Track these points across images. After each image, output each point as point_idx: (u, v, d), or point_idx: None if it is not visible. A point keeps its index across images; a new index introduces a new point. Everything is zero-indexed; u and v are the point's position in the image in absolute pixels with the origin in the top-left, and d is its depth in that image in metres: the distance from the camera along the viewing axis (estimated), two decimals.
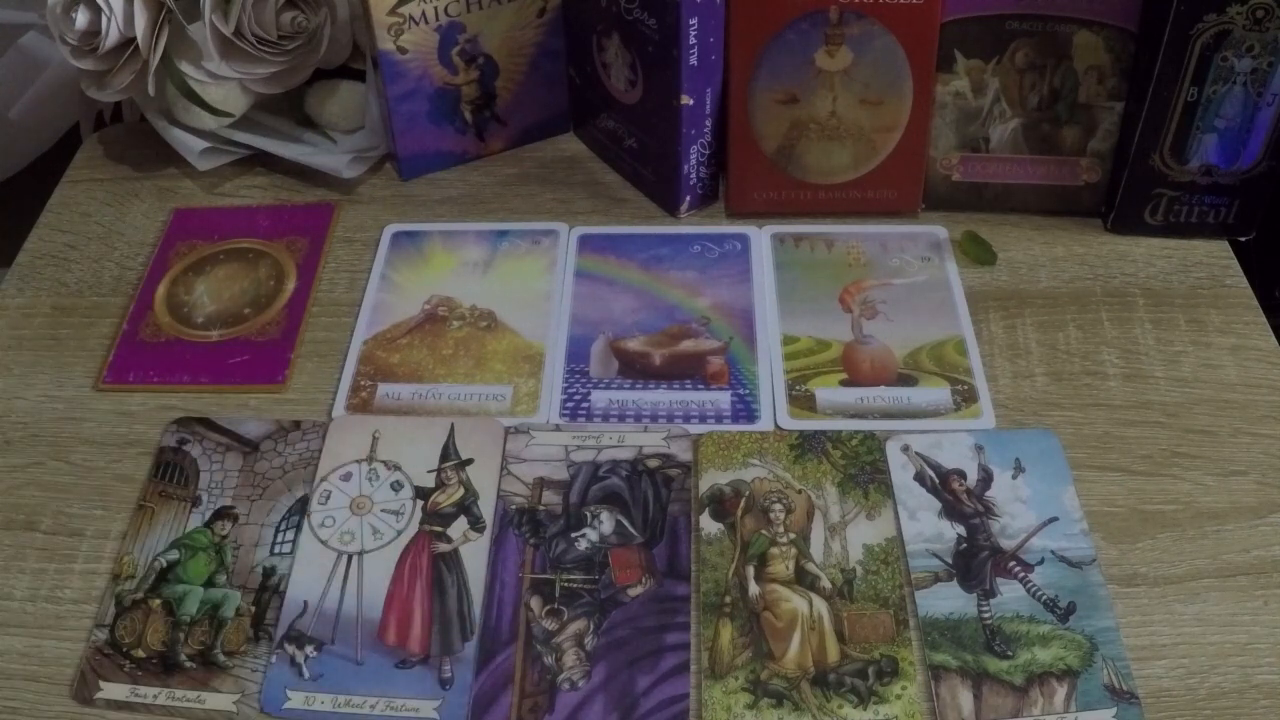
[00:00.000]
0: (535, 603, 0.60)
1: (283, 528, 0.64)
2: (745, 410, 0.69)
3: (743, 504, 0.64)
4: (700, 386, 0.71)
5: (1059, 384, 0.70)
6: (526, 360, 0.73)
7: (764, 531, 0.63)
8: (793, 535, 0.63)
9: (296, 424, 0.69)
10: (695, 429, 0.68)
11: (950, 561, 0.61)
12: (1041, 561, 0.61)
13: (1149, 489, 0.65)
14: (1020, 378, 0.71)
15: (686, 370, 0.72)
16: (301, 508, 0.65)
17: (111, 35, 0.78)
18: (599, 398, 0.70)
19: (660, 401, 0.70)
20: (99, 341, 0.75)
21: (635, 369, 0.72)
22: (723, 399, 0.70)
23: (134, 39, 0.78)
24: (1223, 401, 0.69)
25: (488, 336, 0.74)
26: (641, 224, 0.81)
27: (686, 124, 0.76)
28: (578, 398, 0.70)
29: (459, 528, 0.64)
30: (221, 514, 0.65)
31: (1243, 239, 0.79)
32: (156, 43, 0.79)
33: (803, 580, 0.61)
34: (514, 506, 0.65)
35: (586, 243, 0.80)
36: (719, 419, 0.69)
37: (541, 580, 0.61)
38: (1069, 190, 0.79)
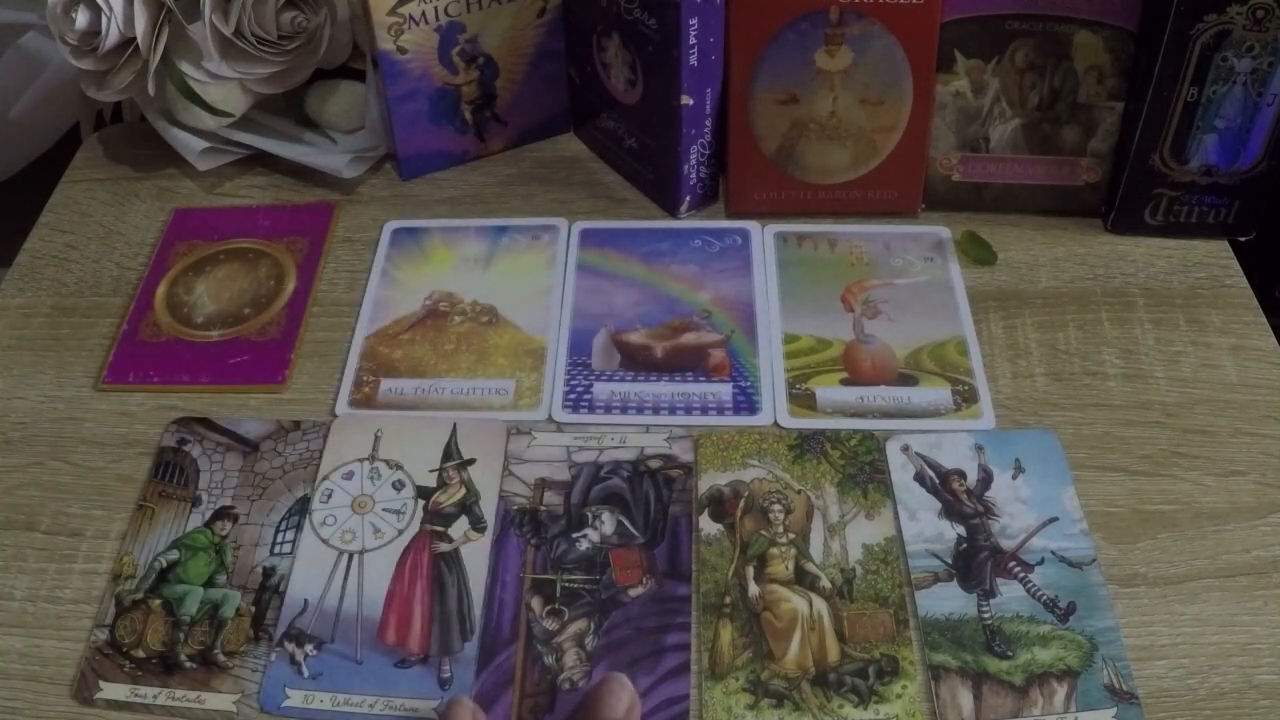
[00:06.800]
0: (536, 603, 0.60)
1: (283, 528, 0.64)
2: (746, 402, 0.69)
3: (742, 504, 0.64)
4: (702, 379, 0.71)
5: (1059, 384, 0.70)
6: (529, 354, 0.73)
7: (763, 532, 0.63)
8: (792, 535, 0.63)
9: (296, 424, 0.69)
10: (697, 420, 0.68)
11: (950, 561, 0.61)
12: (1041, 561, 0.61)
13: (1149, 489, 0.65)
14: (1020, 378, 0.71)
15: (688, 362, 0.72)
16: (301, 508, 0.65)
17: (111, 35, 0.78)
18: (601, 390, 0.70)
19: (662, 394, 0.70)
20: (99, 341, 0.75)
21: (637, 361, 0.72)
22: (724, 391, 0.70)
23: (134, 39, 0.78)
24: (1223, 401, 0.69)
25: (490, 331, 0.74)
26: (641, 223, 0.82)
27: (686, 124, 0.76)
28: (580, 390, 0.70)
29: (460, 527, 0.64)
30: (221, 514, 0.65)
31: (1243, 239, 0.79)
32: (156, 43, 0.79)
33: (802, 580, 0.61)
34: (515, 507, 0.65)
35: (588, 237, 0.80)
36: (720, 411, 0.69)
37: (542, 580, 0.61)
38: (1069, 190, 0.79)
